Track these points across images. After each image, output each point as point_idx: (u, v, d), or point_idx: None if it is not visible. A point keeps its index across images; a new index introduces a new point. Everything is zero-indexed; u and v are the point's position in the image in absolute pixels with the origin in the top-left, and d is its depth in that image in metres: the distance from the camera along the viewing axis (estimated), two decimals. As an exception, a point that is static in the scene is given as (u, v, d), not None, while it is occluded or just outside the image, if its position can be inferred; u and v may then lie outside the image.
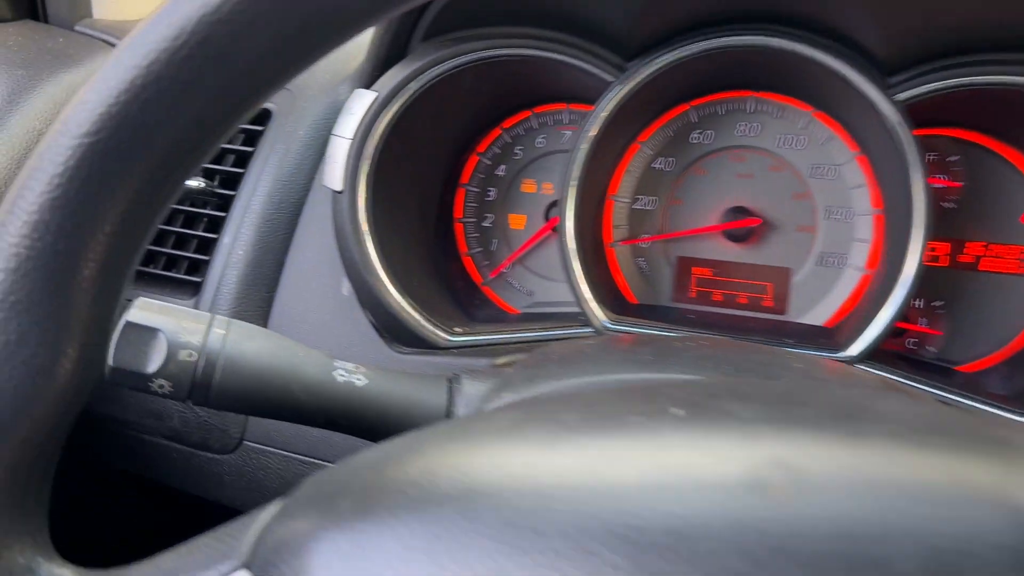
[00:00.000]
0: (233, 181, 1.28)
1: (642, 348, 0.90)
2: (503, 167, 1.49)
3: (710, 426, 0.45)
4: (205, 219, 1.28)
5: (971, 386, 1.19)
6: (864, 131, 1.28)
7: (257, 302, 1.25)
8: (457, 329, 1.26)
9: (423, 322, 1.24)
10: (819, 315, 1.39)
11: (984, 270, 1.33)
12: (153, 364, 0.63)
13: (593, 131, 1.23)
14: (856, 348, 1.19)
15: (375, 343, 1.25)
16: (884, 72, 1.15)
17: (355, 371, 0.81)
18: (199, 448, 1.32)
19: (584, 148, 1.23)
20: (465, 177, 1.49)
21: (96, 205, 0.39)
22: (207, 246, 1.28)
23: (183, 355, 0.64)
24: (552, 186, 1.48)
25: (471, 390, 0.80)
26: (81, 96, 0.39)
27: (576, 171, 1.24)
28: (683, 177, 1.43)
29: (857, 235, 1.37)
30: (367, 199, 1.22)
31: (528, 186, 1.49)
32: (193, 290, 1.27)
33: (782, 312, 1.41)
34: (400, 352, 1.24)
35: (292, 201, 1.27)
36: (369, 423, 0.74)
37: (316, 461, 1.27)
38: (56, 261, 0.39)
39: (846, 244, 1.37)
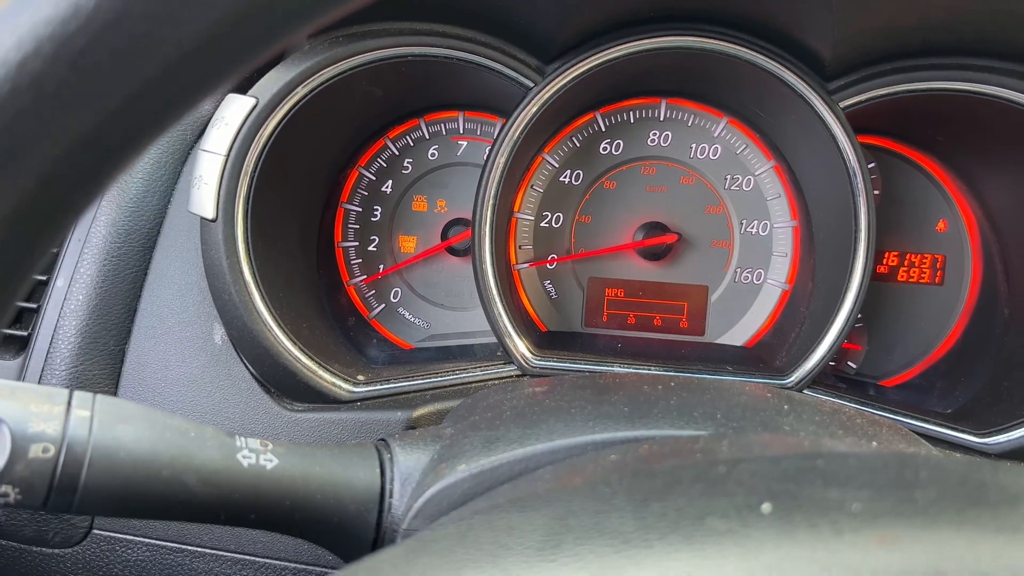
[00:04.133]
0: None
1: (607, 396, 0.77)
2: (389, 183, 1.30)
3: (832, 530, 0.39)
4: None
5: (911, 404, 1.14)
6: (788, 140, 1.21)
7: (104, 357, 1.03)
8: (360, 377, 1.07)
9: (320, 372, 1.04)
10: (738, 335, 1.31)
11: (902, 281, 1.29)
12: (-9, 469, 0.52)
13: (511, 141, 1.07)
14: (798, 374, 1.11)
15: (259, 400, 1.04)
16: (824, 77, 1.07)
17: (263, 450, 0.66)
18: (33, 543, 1.04)
19: (502, 161, 1.08)
20: (345, 195, 1.30)
21: None
22: (33, 290, 1.03)
23: (36, 450, 0.53)
24: (445, 203, 1.31)
25: (408, 461, 0.70)
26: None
27: (494, 186, 1.08)
28: (591, 191, 1.30)
29: (776, 249, 1.29)
30: (246, 228, 1.00)
31: (419, 204, 1.31)
32: (18, 348, 1.02)
33: (700, 333, 1.32)
34: (293, 409, 1.04)
35: (142, 231, 1.05)
36: (285, 515, 0.63)
37: (190, 548, 1.03)
38: None
39: (764, 259, 1.30)
